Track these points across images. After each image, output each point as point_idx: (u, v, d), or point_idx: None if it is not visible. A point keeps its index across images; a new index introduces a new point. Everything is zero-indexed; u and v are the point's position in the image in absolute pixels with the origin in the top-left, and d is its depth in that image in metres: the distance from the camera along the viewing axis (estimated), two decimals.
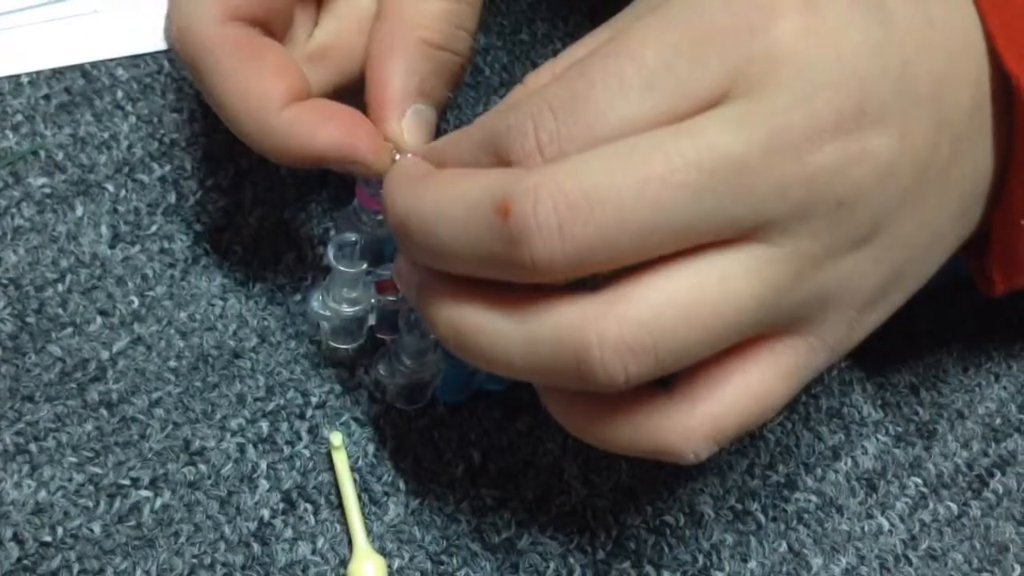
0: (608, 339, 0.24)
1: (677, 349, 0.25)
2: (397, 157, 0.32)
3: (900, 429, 0.40)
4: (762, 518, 0.37)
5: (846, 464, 0.39)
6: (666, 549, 0.36)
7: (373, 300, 0.35)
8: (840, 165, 0.25)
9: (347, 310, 0.35)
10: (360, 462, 0.37)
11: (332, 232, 0.39)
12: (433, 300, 0.28)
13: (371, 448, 0.37)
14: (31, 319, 0.38)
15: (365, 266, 0.35)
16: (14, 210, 0.40)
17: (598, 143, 0.25)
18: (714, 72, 0.25)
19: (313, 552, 0.35)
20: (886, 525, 0.38)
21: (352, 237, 0.34)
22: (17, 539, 0.34)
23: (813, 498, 0.38)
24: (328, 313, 0.36)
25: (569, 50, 0.29)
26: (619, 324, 0.24)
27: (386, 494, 0.36)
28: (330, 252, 0.34)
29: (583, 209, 0.24)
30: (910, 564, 0.37)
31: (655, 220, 0.24)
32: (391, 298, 0.35)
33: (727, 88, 0.25)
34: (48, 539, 0.34)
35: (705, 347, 0.25)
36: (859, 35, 0.25)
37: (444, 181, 0.27)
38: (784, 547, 0.37)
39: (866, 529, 0.38)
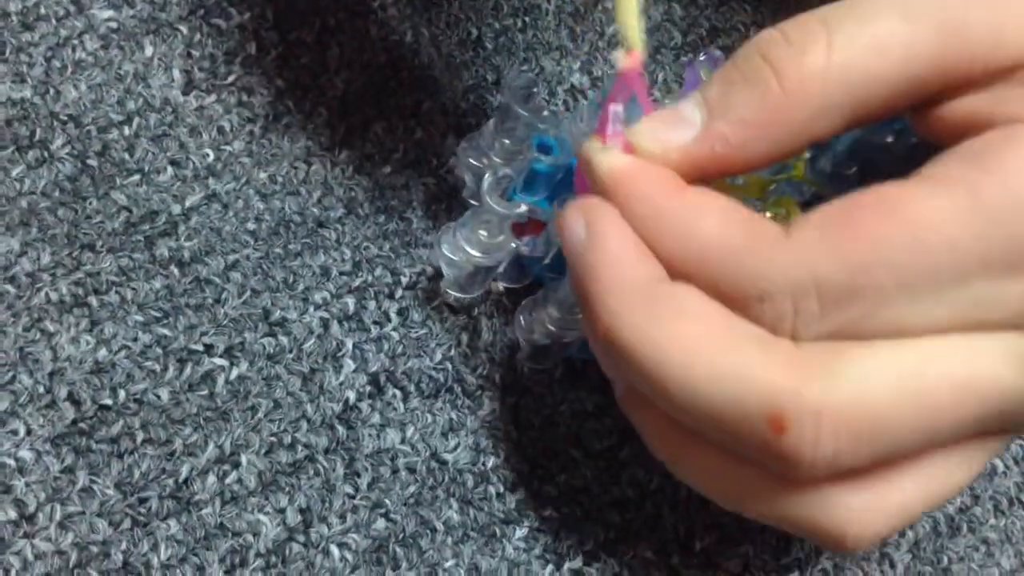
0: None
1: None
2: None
3: None
4: None
5: None
6: None
7: (513, 246, 0.30)
8: None
9: (483, 257, 0.30)
10: (453, 351, 0.33)
11: (459, 150, 0.33)
12: (647, 424, 0.26)
13: (464, 338, 0.34)
14: (93, 161, 0.33)
15: (524, 208, 0.29)
16: (75, 42, 0.35)
17: (868, 341, 0.22)
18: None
19: (402, 441, 0.32)
20: (1000, 467, 0.36)
21: (508, 170, 0.30)
22: (73, 399, 0.30)
23: None
24: (458, 258, 0.31)
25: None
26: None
27: (480, 388, 0.33)
28: (484, 186, 0.29)
29: (863, 438, 0.22)
30: (1023, 508, 0.35)
31: (929, 439, 0.23)
32: (527, 245, 0.31)
33: None
34: (108, 402, 0.30)
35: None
36: None
37: (694, 339, 0.22)
38: None
39: None
